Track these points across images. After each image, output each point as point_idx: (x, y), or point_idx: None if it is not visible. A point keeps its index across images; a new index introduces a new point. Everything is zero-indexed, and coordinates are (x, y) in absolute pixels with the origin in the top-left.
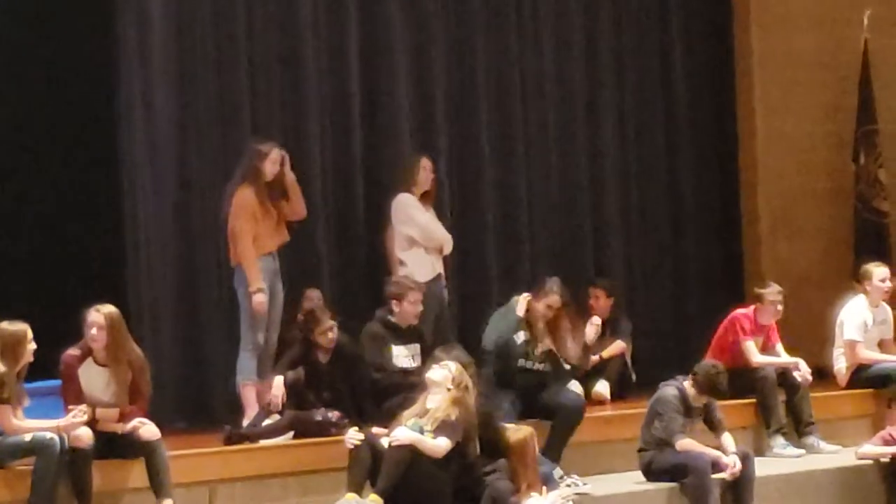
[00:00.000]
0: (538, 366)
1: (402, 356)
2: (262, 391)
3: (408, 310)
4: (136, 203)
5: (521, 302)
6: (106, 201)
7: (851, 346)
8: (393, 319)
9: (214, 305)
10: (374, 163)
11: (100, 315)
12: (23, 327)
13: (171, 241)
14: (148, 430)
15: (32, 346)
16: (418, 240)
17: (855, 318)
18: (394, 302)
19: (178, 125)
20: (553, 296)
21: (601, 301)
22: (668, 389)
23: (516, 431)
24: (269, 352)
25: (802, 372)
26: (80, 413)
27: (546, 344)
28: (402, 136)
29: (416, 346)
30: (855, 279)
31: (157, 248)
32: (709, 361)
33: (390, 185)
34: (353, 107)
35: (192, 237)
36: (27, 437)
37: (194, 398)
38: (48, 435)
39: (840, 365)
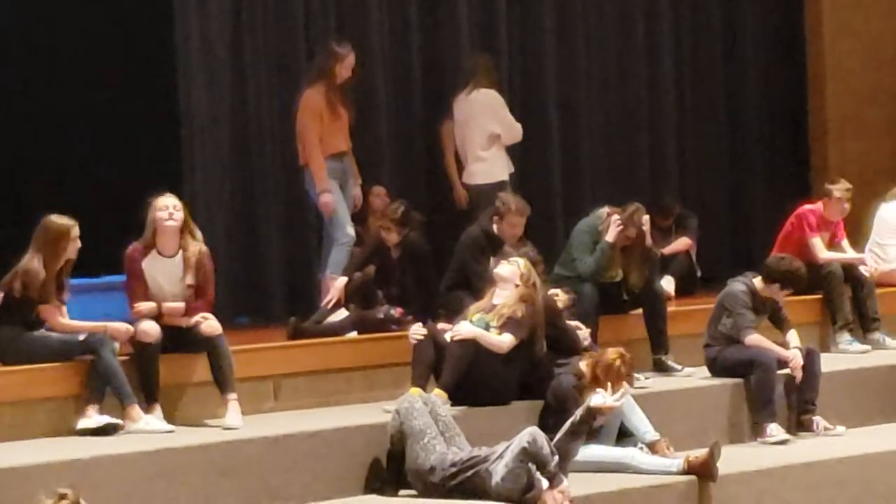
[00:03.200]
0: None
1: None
2: (327, 287)
3: (506, 231)
4: (190, 97)
5: (613, 228)
6: (163, 94)
7: None
8: (495, 231)
9: (271, 202)
10: (434, 59)
11: (173, 197)
12: (68, 223)
13: (226, 137)
14: (210, 325)
15: (77, 243)
16: (502, 137)
17: None
18: (496, 217)
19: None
20: (633, 227)
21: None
22: (737, 285)
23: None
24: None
25: (869, 268)
26: (145, 310)
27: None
28: (463, 35)
29: None
30: None
31: (212, 143)
32: (780, 255)
33: (451, 81)
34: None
35: (247, 133)
36: (80, 337)
37: (254, 295)
38: (100, 334)
39: None
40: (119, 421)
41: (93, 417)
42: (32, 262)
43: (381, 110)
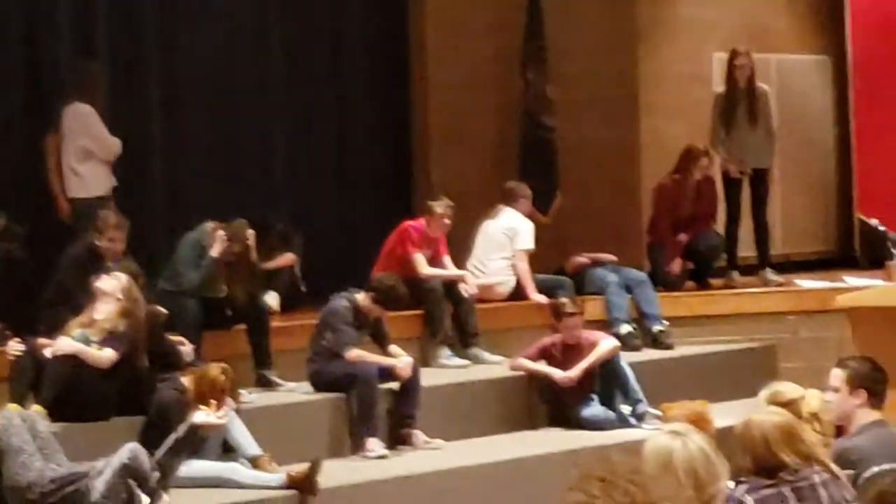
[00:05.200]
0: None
1: None
2: None
3: (106, 246)
4: None
5: (218, 243)
6: None
7: (526, 255)
8: (97, 245)
9: None
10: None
11: None
12: None
13: None
14: None
15: None
16: (96, 152)
17: (530, 227)
18: (95, 233)
19: None
20: (237, 243)
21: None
22: (339, 301)
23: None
24: None
25: (468, 285)
26: None
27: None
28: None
29: None
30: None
31: None
32: (385, 274)
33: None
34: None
35: None
36: None
37: None
38: None
39: (507, 276)
40: None
41: None
42: None
43: None
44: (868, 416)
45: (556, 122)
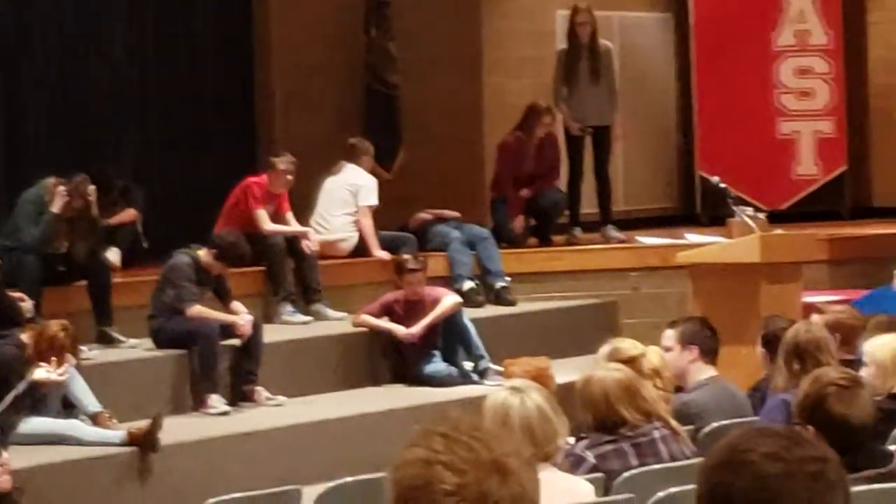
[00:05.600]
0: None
1: None
2: None
3: None
4: None
5: (58, 199)
6: None
7: (370, 212)
8: None
9: None
10: None
11: None
12: None
13: None
14: None
15: None
16: None
17: (373, 183)
18: None
19: None
20: (79, 198)
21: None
22: (181, 257)
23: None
24: None
25: (310, 241)
26: None
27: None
28: None
29: None
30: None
31: None
32: (227, 231)
33: None
34: None
35: None
36: None
37: None
38: None
39: (350, 233)
40: None
41: None
42: None
43: None
44: (702, 372)
45: (399, 79)
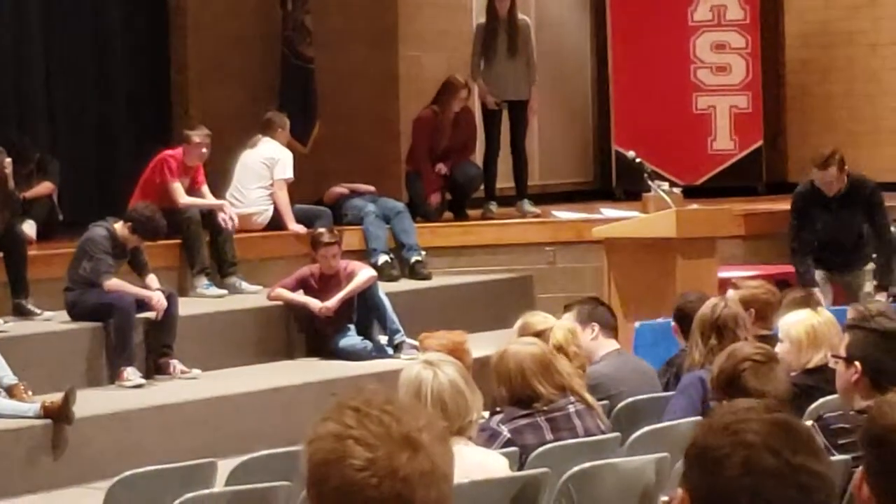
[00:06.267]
0: None
1: None
2: None
3: None
4: None
5: None
6: None
7: (285, 185)
8: None
9: None
10: None
11: None
12: None
13: None
14: None
15: None
16: None
17: (289, 156)
18: None
19: None
20: None
21: None
22: (97, 230)
23: None
24: None
25: (226, 215)
26: None
27: None
28: None
29: None
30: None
31: None
32: (143, 204)
33: None
34: None
35: None
36: None
37: None
38: None
39: (266, 206)
40: None
41: None
42: None
43: None
44: (605, 346)
45: (314, 53)
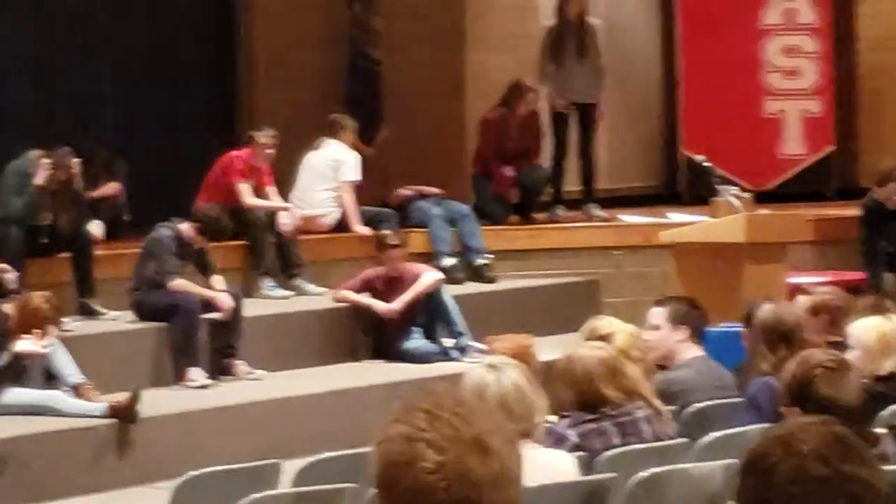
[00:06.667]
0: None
1: None
2: None
3: None
4: None
5: (42, 171)
6: None
7: (351, 187)
8: None
9: None
10: None
11: None
12: None
13: None
14: None
15: None
16: None
17: (355, 158)
18: None
19: None
20: (62, 170)
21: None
22: (163, 230)
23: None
24: None
25: (290, 216)
26: None
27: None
28: None
29: None
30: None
31: None
32: (209, 205)
33: None
34: None
35: None
36: None
37: None
38: None
39: (331, 208)
40: None
41: None
42: None
43: None
44: (690, 351)
45: (381, 54)
